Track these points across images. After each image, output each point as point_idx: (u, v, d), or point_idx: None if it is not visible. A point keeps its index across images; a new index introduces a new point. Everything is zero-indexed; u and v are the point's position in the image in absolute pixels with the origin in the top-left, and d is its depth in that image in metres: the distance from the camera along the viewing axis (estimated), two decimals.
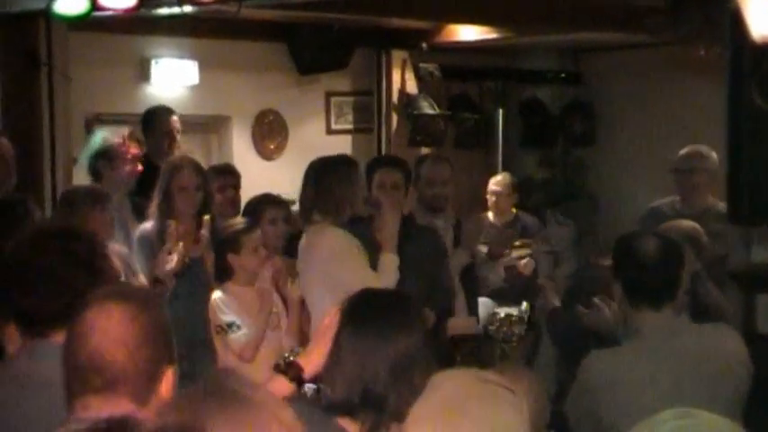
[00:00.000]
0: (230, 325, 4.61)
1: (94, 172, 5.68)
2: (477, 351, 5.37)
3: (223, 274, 4.79)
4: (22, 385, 2.60)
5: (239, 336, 4.61)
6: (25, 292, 2.72)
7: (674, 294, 3.53)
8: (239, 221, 4.96)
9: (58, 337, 2.43)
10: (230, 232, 4.80)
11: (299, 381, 2.65)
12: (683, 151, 6.23)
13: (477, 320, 5.63)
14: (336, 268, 4.62)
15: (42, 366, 2.50)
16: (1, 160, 5.46)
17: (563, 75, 9.52)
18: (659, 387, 3.35)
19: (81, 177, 5.98)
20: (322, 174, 4.84)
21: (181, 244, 4.69)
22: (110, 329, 2.18)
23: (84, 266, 2.72)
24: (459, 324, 5.75)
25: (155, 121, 6.37)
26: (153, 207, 5.07)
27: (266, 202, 5.24)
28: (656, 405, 3.17)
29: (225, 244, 4.77)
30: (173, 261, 4.63)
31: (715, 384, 3.37)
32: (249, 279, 4.77)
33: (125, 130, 5.80)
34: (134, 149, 5.69)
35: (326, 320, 2.69)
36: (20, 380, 2.62)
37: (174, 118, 6.38)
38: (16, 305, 2.78)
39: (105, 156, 5.66)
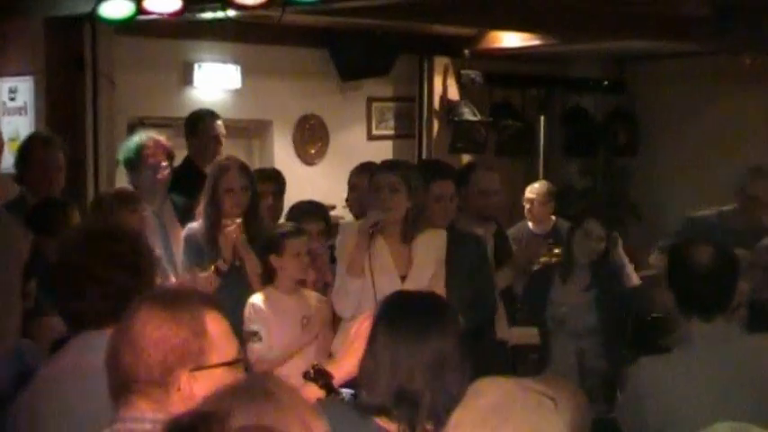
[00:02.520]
0: (254, 333, 4.58)
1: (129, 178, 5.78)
2: (538, 361, 5.35)
3: (267, 277, 4.78)
4: (72, 374, 2.63)
5: (257, 346, 4.57)
6: (72, 295, 2.74)
7: (726, 306, 3.49)
8: (289, 224, 4.96)
9: (108, 331, 2.45)
10: (275, 234, 4.79)
11: (329, 388, 2.65)
12: None
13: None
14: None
15: (91, 356, 2.51)
16: (44, 169, 5.48)
17: (607, 83, 9.46)
18: (705, 395, 3.32)
19: (124, 180, 6.02)
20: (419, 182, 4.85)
21: (213, 268, 4.86)
22: (128, 331, 2.19)
23: (127, 267, 2.75)
24: (519, 334, 5.72)
25: (199, 125, 6.37)
26: (200, 208, 5.10)
27: (306, 214, 5.20)
28: (702, 413, 3.15)
29: (269, 245, 4.75)
30: (209, 279, 4.84)
31: (763, 394, 3.32)
32: (291, 286, 4.72)
33: (142, 136, 5.77)
34: (152, 158, 5.59)
35: (354, 328, 2.70)
36: (70, 369, 2.65)
37: (219, 122, 6.38)
38: (64, 307, 2.81)
39: (126, 164, 5.72)
